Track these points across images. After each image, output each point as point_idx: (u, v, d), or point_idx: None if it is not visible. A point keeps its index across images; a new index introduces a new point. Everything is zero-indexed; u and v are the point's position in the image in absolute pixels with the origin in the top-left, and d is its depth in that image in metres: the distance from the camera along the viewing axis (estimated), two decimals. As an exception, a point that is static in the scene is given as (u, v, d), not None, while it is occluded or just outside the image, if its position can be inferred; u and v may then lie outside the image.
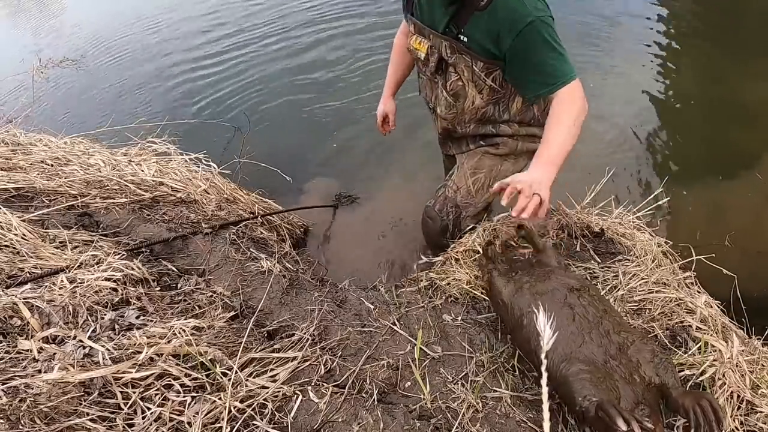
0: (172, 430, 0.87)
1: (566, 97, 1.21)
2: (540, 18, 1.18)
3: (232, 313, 1.19)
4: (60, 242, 1.24)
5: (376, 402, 0.99)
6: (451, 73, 1.40)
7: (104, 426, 0.83)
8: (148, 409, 0.88)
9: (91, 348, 0.93)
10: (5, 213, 1.23)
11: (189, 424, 0.87)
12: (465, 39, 1.32)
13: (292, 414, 0.94)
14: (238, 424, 0.89)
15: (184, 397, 0.91)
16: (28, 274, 1.09)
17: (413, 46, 1.46)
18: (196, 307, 1.17)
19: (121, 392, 0.88)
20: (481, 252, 1.36)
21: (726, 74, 2.94)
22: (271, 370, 1.02)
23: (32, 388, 0.83)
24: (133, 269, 1.18)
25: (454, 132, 1.57)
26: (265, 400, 0.95)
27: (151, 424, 0.86)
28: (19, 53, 4.64)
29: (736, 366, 0.98)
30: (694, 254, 1.38)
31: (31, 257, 1.15)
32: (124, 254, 1.25)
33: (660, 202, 1.83)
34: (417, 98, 1.67)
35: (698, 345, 1.03)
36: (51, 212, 1.38)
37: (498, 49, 1.27)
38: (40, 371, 0.87)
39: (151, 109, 3.37)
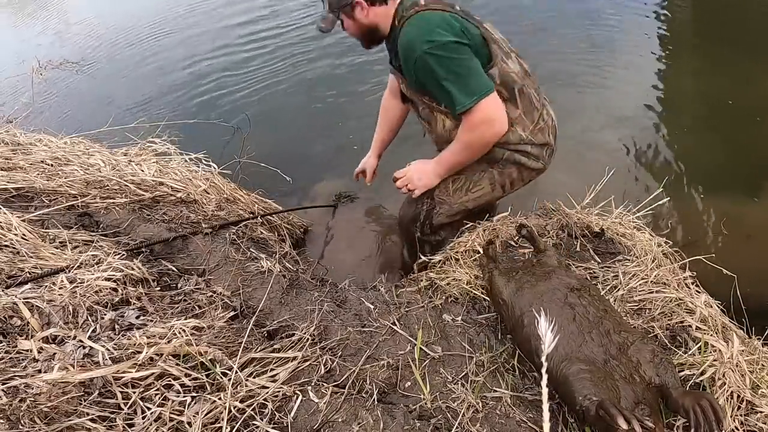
0: (172, 430, 0.87)
1: (466, 124, 1.32)
2: (426, 51, 1.23)
3: (232, 313, 1.19)
4: (60, 242, 1.24)
5: (376, 402, 0.99)
6: (416, 102, 1.49)
7: (104, 426, 0.83)
8: (148, 409, 0.88)
9: (91, 348, 0.93)
10: (5, 213, 1.23)
11: (189, 424, 0.87)
12: (400, 70, 1.43)
13: (292, 414, 0.94)
14: (238, 424, 0.89)
15: (184, 397, 0.91)
16: (28, 274, 1.09)
17: (402, 85, 1.56)
18: (196, 307, 1.17)
19: (121, 392, 0.88)
20: (482, 251, 1.36)
21: (732, 73, 2.92)
22: (271, 370, 1.02)
23: (32, 388, 0.83)
24: (133, 269, 1.18)
25: None
26: (265, 400, 0.95)
27: (151, 424, 0.85)
28: (19, 54, 4.65)
29: (736, 366, 0.98)
30: (687, 255, 1.38)
31: (31, 257, 1.15)
32: (124, 254, 1.25)
33: (660, 202, 1.83)
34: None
35: (698, 345, 1.03)
36: (51, 212, 1.38)
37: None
38: (40, 371, 0.87)
39: (151, 109, 3.38)
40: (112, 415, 0.85)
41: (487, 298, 1.24)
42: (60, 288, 1.05)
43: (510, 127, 1.38)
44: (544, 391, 0.42)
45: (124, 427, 0.84)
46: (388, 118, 1.80)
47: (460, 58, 1.24)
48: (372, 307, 1.27)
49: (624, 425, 0.72)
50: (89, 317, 1.01)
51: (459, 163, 1.45)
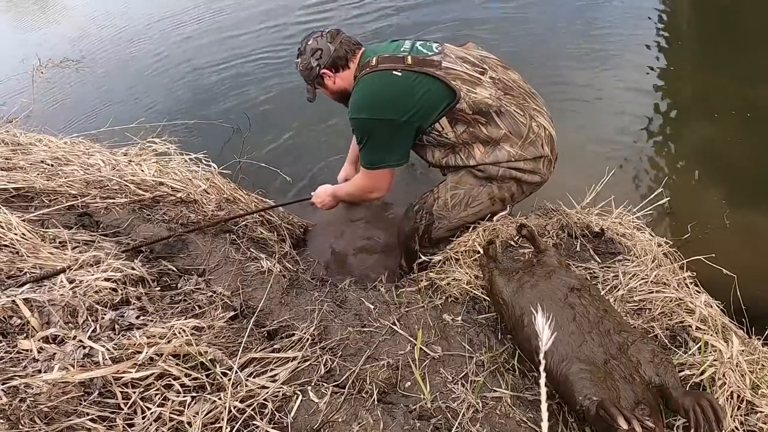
0: (172, 430, 0.87)
1: (358, 177, 1.64)
2: (354, 118, 1.44)
3: (232, 313, 1.19)
4: (60, 242, 1.24)
5: (376, 402, 0.99)
6: None
7: (104, 426, 0.83)
8: (148, 409, 0.88)
9: (91, 348, 0.93)
10: (5, 213, 1.23)
11: (189, 424, 0.87)
12: None
13: (292, 414, 0.94)
14: (238, 424, 0.89)
15: (184, 397, 0.91)
16: (28, 275, 1.09)
17: None
18: (196, 307, 1.17)
19: (121, 392, 0.88)
20: (482, 251, 1.36)
21: (733, 73, 2.92)
22: (271, 370, 1.02)
23: (32, 388, 0.83)
24: (133, 269, 1.18)
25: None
26: (265, 400, 0.95)
27: (151, 424, 0.85)
28: (19, 53, 4.64)
29: (736, 366, 0.98)
30: (687, 255, 1.38)
31: (31, 257, 1.15)
32: (123, 255, 1.25)
33: (661, 202, 1.83)
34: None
35: (698, 345, 1.03)
36: (51, 212, 1.38)
37: None
38: (40, 371, 0.87)
39: (151, 109, 3.37)
40: (112, 415, 0.85)
41: (487, 298, 1.24)
42: (60, 288, 1.05)
43: (496, 145, 1.45)
44: (543, 390, 0.42)
45: (124, 427, 0.84)
46: None
47: (372, 135, 1.45)
48: (372, 307, 1.27)
49: (624, 425, 0.72)
50: (89, 317, 1.01)
51: (345, 200, 1.82)
